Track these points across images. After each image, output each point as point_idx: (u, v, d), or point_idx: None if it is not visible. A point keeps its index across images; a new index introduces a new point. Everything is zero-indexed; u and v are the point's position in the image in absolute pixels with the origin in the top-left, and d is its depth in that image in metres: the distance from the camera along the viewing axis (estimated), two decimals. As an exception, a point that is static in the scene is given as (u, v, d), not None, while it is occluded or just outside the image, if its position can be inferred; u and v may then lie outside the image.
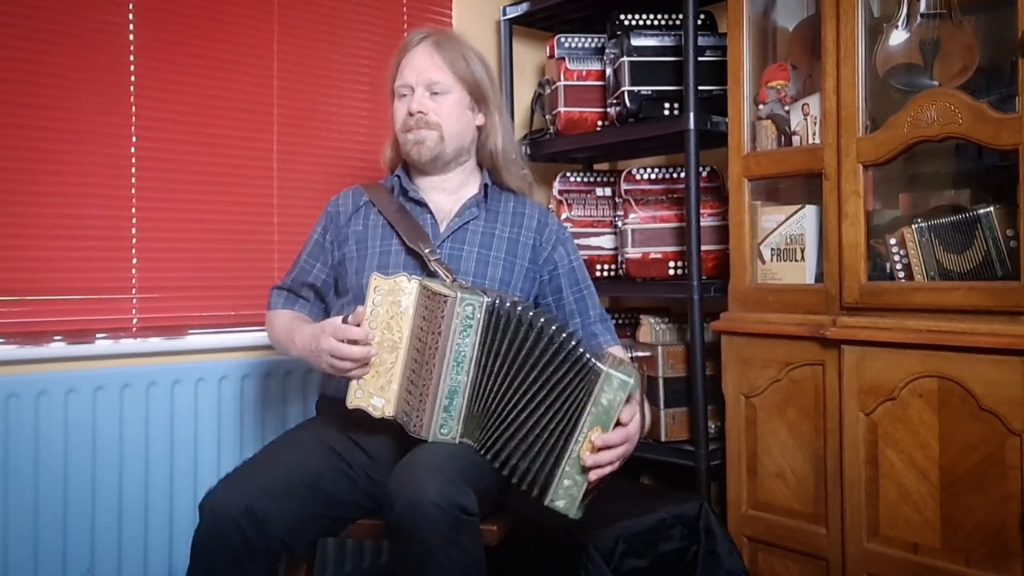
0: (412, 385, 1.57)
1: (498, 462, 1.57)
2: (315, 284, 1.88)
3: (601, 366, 1.54)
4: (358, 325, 1.58)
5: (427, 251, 1.74)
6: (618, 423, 1.54)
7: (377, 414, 1.58)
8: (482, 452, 1.58)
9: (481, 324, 1.55)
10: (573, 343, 1.56)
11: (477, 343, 1.56)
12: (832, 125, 1.95)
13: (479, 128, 1.88)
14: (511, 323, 1.57)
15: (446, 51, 1.82)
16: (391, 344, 1.58)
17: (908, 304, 1.84)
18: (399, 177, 1.87)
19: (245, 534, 1.46)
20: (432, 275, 1.71)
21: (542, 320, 1.57)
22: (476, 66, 1.85)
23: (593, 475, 1.53)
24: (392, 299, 1.59)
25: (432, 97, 1.81)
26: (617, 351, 1.86)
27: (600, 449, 1.53)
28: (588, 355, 1.56)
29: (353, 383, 1.59)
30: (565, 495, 1.54)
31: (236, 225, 2.29)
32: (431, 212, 1.84)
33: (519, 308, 1.58)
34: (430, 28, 1.91)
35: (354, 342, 1.57)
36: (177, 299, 2.20)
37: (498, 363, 1.56)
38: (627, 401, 1.55)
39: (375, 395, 1.58)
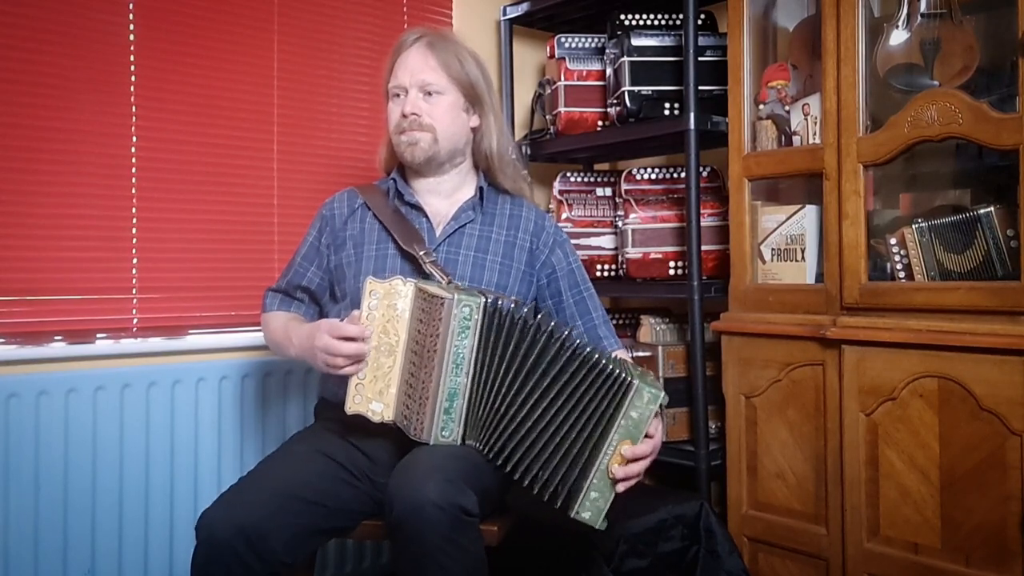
0: (411, 388, 1.56)
1: (518, 473, 1.55)
2: (309, 287, 1.87)
3: (631, 378, 1.52)
4: None
5: (421, 253, 1.73)
6: (646, 435, 1.54)
7: (376, 419, 1.57)
8: (488, 454, 1.56)
9: (479, 325, 1.54)
10: (579, 341, 1.56)
11: (476, 344, 1.54)
12: (832, 125, 1.95)
13: (474, 130, 1.86)
14: (515, 324, 1.55)
15: (440, 52, 1.80)
16: (388, 348, 1.57)
17: (908, 304, 1.84)
18: (394, 180, 1.86)
19: (242, 557, 1.44)
20: (427, 277, 1.69)
21: (551, 323, 1.56)
22: (471, 67, 1.83)
23: (621, 487, 1.53)
24: (388, 303, 1.58)
25: (426, 98, 1.79)
26: (622, 354, 1.85)
27: (630, 461, 1.53)
28: (605, 361, 1.54)
29: (351, 388, 1.57)
30: (592, 507, 1.52)
31: (236, 225, 2.29)
32: (426, 216, 1.83)
33: (523, 308, 1.57)
34: (425, 28, 1.89)
35: (350, 340, 1.56)
36: (177, 299, 2.20)
37: (499, 364, 1.55)
38: (655, 415, 1.54)
39: (374, 400, 1.57)
